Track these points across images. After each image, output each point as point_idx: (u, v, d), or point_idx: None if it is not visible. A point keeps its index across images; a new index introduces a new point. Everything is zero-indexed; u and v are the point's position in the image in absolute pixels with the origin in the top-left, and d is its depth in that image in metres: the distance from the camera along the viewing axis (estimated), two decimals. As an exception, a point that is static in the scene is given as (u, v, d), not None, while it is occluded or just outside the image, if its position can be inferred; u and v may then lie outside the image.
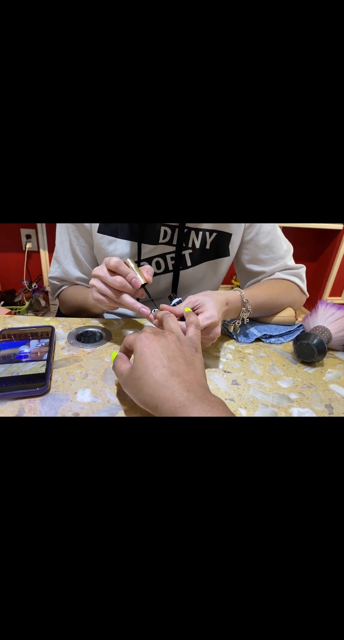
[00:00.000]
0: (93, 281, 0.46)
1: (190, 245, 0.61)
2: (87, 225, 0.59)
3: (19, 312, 1.70)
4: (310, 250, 2.19)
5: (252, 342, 0.55)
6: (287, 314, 0.61)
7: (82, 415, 0.36)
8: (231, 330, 0.56)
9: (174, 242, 0.59)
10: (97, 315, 0.62)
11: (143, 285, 0.45)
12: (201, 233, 0.60)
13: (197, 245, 0.61)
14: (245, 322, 0.55)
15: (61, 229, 0.63)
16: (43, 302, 1.82)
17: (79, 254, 0.63)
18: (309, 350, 0.49)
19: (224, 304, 0.48)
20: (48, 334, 0.49)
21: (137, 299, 0.46)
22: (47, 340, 0.48)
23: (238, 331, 0.56)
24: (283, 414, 0.40)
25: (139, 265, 0.47)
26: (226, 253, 0.63)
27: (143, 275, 0.45)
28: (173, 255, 0.61)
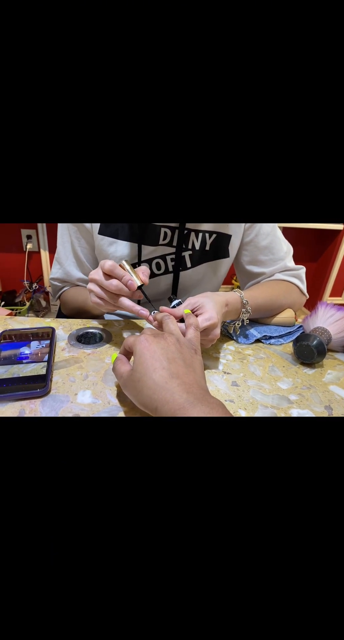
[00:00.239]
0: (90, 285, 0.46)
1: (190, 246, 0.61)
2: (88, 226, 0.60)
3: (19, 312, 1.71)
4: (311, 251, 2.19)
5: (252, 343, 0.56)
6: (287, 315, 0.61)
7: (82, 416, 0.36)
8: (231, 331, 0.56)
9: (174, 244, 0.60)
10: (98, 316, 0.63)
11: (140, 287, 0.45)
12: (200, 234, 0.60)
13: (197, 246, 0.61)
14: (245, 324, 0.55)
15: (62, 230, 0.63)
16: (44, 303, 1.83)
17: (81, 255, 0.63)
18: (309, 351, 0.49)
19: (224, 305, 0.48)
20: (49, 335, 0.49)
21: (137, 301, 0.46)
22: (48, 342, 0.48)
23: (238, 332, 0.56)
24: (282, 415, 0.40)
25: (136, 267, 0.47)
26: (225, 254, 0.63)
27: (139, 276, 0.45)
28: (173, 256, 0.61)
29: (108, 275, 0.44)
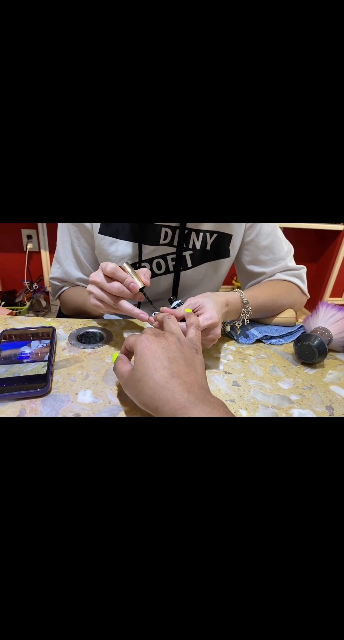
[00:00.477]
0: (90, 287, 0.46)
1: (190, 246, 0.61)
2: (88, 226, 0.60)
3: (19, 312, 1.71)
4: (311, 251, 2.19)
5: (253, 343, 0.55)
6: (288, 314, 0.61)
7: (83, 416, 0.36)
8: (230, 330, 0.56)
9: (175, 243, 0.60)
10: (98, 316, 0.63)
11: (141, 289, 0.45)
12: (201, 234, 0.60)
13: (198, 246, 0.61)
14: (245, 323, 0.55)
15: (62, 229, 0.63)
16: (44, 303, 1.83)
17: (80, 255, 0.63)
18: (310, 351, 0.49)
19: (224, 305, 0.48)
20: (49, 334, 0.49)
21: (137, 304, 0.46)
22: (48, 341, 0.48)
23: (238, 332, 0.56)
24: (283, 415, 0.40)
25: (136, 268, 0.47)
26: (226, 254, 0.63)
27: (141, 278, 0.45)
28: (174, 256, 0.61)
29: (109, 278, 0.44)
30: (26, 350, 0.45)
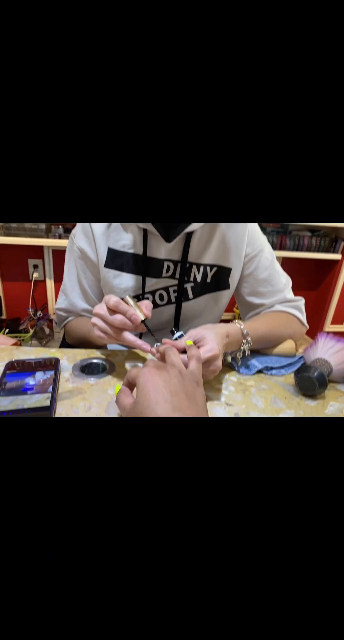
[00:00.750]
0: (94, 319, 0.48)
1: (191, 278, 0.63)
2: (94, 259, 0.62)
3: (23, 340, 1.72)
4: (311, 280, 2.23)
5: (254, 374, 0.56)
6: (287, 345, 0.61)
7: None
8: (231, 360, 0.56)
9: (177, 276, 0.62)
10: (102, 346, 0.64)
11: (143, 321, 0.46)
12: (202, 267, 0.62)
13: (199, 279, 0.63)
14: (246, 354, 0.56)
15: (69, 262, 0.66)
16: (47, 330, 1.85)
17: (86, 287, 0.65)
18: (310, 383, 0.49)
19: (225, 336, 0.49)
20: (53, 365, 0.50)
21: (139, 334, 0.47)
22: (52, 372, 0.49)
23: (239, 362, 0.57)
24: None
25: (139, 300, 0.49)
26: (226, 286, 0.65)
27: (142, 310, 0.47)
28: (176, 288, 0.63)
29: (112, 310, 0.46)
30: (30, 381, 0.46)
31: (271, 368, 0.57)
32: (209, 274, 0.63)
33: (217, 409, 0.46)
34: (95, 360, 0.55)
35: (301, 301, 0.68)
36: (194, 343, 0.46)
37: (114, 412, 0.43)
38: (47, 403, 0.42)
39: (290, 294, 0.67)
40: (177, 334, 0.51)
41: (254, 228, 0.65)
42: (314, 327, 2.24)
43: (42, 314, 1.86)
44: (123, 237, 0.59)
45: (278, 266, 0.67)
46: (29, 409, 0.40)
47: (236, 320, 0.55)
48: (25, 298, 1.87)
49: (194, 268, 0.62)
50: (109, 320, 0.45)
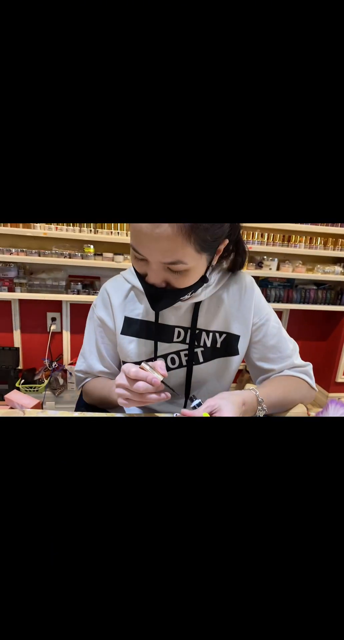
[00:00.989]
0: (118, 390, 0.52)
1: (202, 343, 0.68)
2: (112, 327, 0.68)
3: (37, 390, 1.76)
4: (320, 330, 2.26)
5: (267, 440, 0.58)
6: (299, 411, 0.64)
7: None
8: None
9: (187, 341, 0.67)
10: (117, 406, 0.67)
11: (162, 381, 0.51)
12: (211, 334, 0.68)
13: (208, 344, 0.68)
14: (259, 421, 0.58)
15: (89, 329, 0.72)
16: (61, 381, 1.89)
17: (103, 351, 0.71)
18: (322, 452, 0.51)
19: (241, 404, 0.52)
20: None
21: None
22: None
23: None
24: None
25: (152, 360, 0.54)
26: (235, 352, 0.70)
27: (158, 372, 0.51)
28: (186, 352, 0.68)
29: (133, 380, 0.51)
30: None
31: (284, 434, 0.59)
32: (219, 340, 0.68)
33: (233, 479, 0.47)
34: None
35: (309, 366, 0.71)
36: (211, 413, 0.49)
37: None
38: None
39: (298, 360, 0.71)
40: (195, 402, 0.54)
41: (260, 298, 0.71)
42: (326, 378, 2.22)
43: (57, 365, 1.91)
44: (138, 306, 0.66)
45: (284, 333, 0.72)
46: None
47: (251, 387, 0.59)
48: (42, 349, 1.94)
49: (204, 334, 0.67)
50: (133, 389, 0.50)
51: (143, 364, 0.53)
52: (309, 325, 2.20)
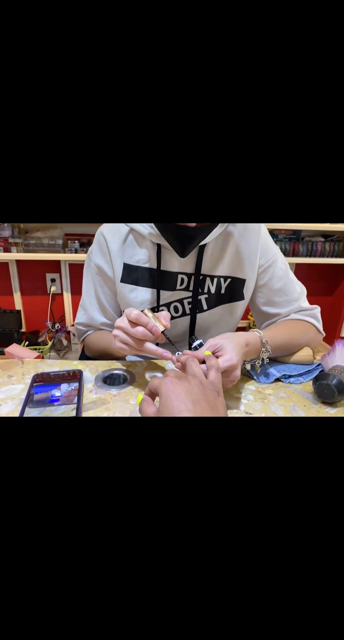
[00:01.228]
0: (116, 332, 0.50)
1: (205, 290, 0.64)
2: (111, 275, 0.65)
3: (42, 351, 1.77)
4: (326, 285, 2.21)
5: (272, 382, 0.57)
6: (305, 353, 0.62)
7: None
8: (250, 369, 0.57)
9: (191, 288, 0.63)
10: (121, 358, 0.66)
11: (162, 332, 0.48)
12: (216, 279, 0.64)
13: (213, 290, 0.65)
14: (265, 362, 0.57)
15: (87, 278, 0.69)
16: (65, 342, 1.89)
17: (104, 302, 0.67)
18: (329, 390, 0.49)
19: (244, 345, 0.50)
20: (77, 377, 0.53)
21: (157, 344, 0.49)
22: (76, 384, 0.51)
23: (259, 370, 0.57)
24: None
25: (156, 312, 0.51)
26: (240, 297, 0.66)
27: (161, 322, 0.49)
28: (190, 300, 0.64)
29: (133, 323, 0.48)
30: (56, 393, 0.48)
31: (289, 376, 0.58)
32: (223, 285, 0.65)
33: (237, 418, 0.46)
34: (116, 372, 0.57)
35: (316, 309, 0.68)
36: (213, 352, 0.47)
37: (136, 422, 0.44)
38: (73, 413, 0.44)
39: (305, 303, 0.67)
40: (196, 342, 0.52)
41: (267, 239, 0.66)
42: (331, 333, 2.20)
43: (59, 327, 1.91)
44: (138, 252, 0.62)
45: (292, 275, 0.68)
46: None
47: (255, 329, 0.56)
48: (44, 311, 1.93)
49: (208, 280, 0.64)
50: (131, 332, 0.47)
51: (146, 310, 0.50)
52: (315, 280, 2.14)
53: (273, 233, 1.92)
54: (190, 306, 0.65)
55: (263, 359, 0.55)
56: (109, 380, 0.55)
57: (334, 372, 0.51)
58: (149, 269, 0.62)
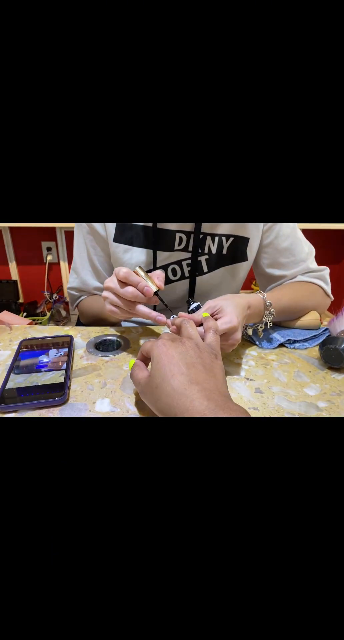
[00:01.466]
0: (105, 293, 0.46)
1: (206, 251, 0.59)
2: (103, 234, 0.60)
3: (40, 322, 1.75)
4: (333, 252, 2.13)
5: (276, 347, 0.53)
6: (311, 317, 0.58)
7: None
8: (252, 334, 0.54)
9: (190, 249, 0.58)
10: (116, 324, 0.62)
11: (156, 293, 0.44)
12: (217, 238, 0.59)
13: (214, 250, 0.60)
14: (268, 327, 0.53)
15: (78, 239, 0.64)
16: (64, 313, 1.86)
17: (97, 264, 0.63)
18: (337, 355, 0.46)
19: (246, 307, 0.46)
20: (67, 343, 0.49)
21: (153, 307, 0.45)
22: (66, 350, 0.48)
23: (261, 335, 0.54)
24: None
25: (150, 272, 0.46)
26: (244, 258, 0.61)
27: (154, 282, 0.44)
28: (189, 261, 0.60)
29: (123, 283, 0.44)
30: (44, 359, 0.45)
31: (294, 341, 0.54)
32: (225, 245, 0.59)
33: (237, 384, 0.43)
34: (109, 337, 0.54)
35: (325, 271, 0.63)
36: (212, 314, 0.43)
37: (129, 388, 0.41)
38: (62, 380, 0.41)
39: (313, 264, 0.62)
40: (193, 305, 0.48)
41: None
42: (338, 302, 2.15)
43: (57, 297, 1.87)
44: None
45: (300, 234, 0.62)
46: (44, 385, 0.40)
47: (258, 291, 0.52)
48: (41, 282, 1.88)
49: (209, 239, 0.58)
50: (120, 292, 0.43)
51: (138, 269, 0.45)
52: (322, 247, 2.06)
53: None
54: (189, 268, 0.60)
55: (266, 323, 0.51)
56: (102, 346, 0.52)
57: (343, 336, 0.47)
58: (144, 227, 0.57)
